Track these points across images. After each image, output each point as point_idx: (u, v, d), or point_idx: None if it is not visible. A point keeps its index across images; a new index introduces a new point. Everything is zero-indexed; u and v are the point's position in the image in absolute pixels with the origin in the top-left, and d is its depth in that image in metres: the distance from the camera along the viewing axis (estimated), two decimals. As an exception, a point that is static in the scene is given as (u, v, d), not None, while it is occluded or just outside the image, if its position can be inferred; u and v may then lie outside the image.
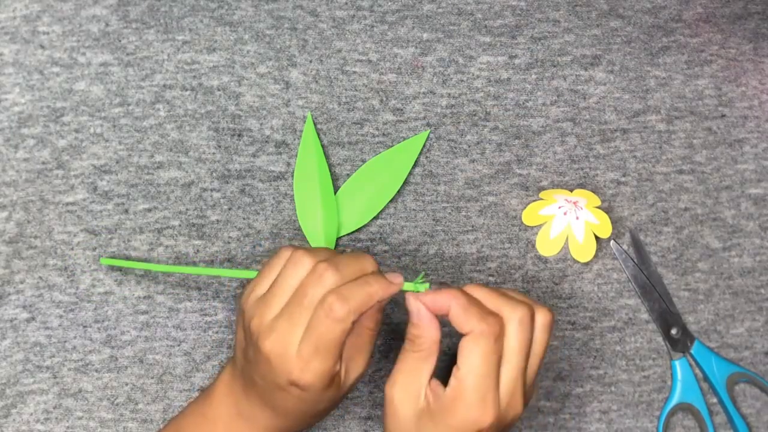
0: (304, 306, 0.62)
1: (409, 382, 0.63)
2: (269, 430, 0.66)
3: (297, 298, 0.62)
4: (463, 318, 0.62)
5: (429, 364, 0.63)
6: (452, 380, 0.62)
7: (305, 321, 0.62)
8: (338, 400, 0.66)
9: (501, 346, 0.62)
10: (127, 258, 0.75)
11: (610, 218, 0.77)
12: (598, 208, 0.77)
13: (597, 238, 0.77)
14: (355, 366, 0.65)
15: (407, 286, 0.65)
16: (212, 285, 0.76)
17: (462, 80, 0.78)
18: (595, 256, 0.77)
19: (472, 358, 0.61)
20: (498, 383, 0.62)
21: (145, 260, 0.76)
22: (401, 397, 0.63)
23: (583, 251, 0.77)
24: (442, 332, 0.64)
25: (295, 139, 0.77)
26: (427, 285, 0.65)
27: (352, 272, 0.63)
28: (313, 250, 0.65)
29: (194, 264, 0.76)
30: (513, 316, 0.62)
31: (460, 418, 0.61)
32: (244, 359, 0.65)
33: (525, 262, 0.77)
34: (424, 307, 0.63)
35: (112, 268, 0.75)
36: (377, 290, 0.62)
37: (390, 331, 0.76)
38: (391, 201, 0.77)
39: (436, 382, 0.63)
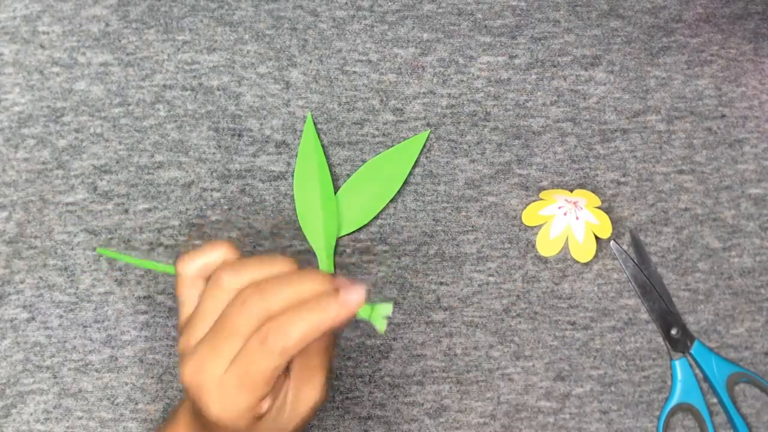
0: (227, 334, 0.53)
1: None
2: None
3: (220, 324, 0.54)
4: None
5: None
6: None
7: (230, 350, 0.54)
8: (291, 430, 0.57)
9: None
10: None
11: (610, 218, 0.77)
12: (598, 208, 0.77)
13: (597, 238, 0.77)
14: (307, 394, 0.57)
15: (363, 311, 0.55)
16: (212, 285, 0.76)
17: (462, 80, 0.78)
18: (595, 256, 0.77)
19: None
20: None
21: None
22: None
23: (583, 251, 0.77)
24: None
25: (295, 139, 0.77)
26: (390, 305, 0.55)
27: (286, 298, 0.54)
28: (241, 265, 0.55)
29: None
30: None
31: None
32: None
33: (525, 262, 0.77)
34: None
35: (112, 268, 0.75)
36: (325, 319, 0.52)
37: (390, 331, 0.76)
38: (391, 201, 0.77)
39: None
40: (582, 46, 0.80)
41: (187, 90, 0.77)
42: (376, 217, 0.77)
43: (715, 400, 0.77)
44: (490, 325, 0.77)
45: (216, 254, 0.56)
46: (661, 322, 0.77)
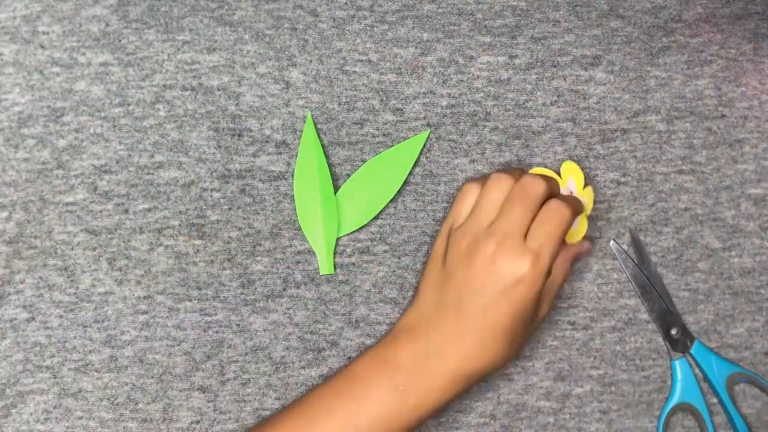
0: (528, 204, 0.67)
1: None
2: (458, 372, 0.66)
3: (516, 198, 0.68)
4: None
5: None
6: None
7: (528, 217, 0.67)
8: (530, 334, 0.69)
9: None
10: (128, 257, 0.76)
11: (610, 218, 0.76)
12: (585, 186, 0.76)
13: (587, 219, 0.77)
14: (558, 278, 0.71)
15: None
16: (212, 285, 0.76)
17: (462, 80, 0.78)
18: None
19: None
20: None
21: (145, 260, 0.76)
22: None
23: (573, 232, 0.75)
24: None
25: (295, 139, 0.77)
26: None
27: (551, 191, 0.69)
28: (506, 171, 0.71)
29: (194, 263, 0.76)
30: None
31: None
32: (443, 288, 0.67)
33: (525, 262, 0.77)
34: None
35: (112, 268, 0.75)
36: (578, 209, 0.71)
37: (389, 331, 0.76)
38: (391, 201, 0.77)
39: None
40: (582, 46, 0.79)
41: (187, 90, 0.77)
42: (376, 217, 0.77)
43: (715, 400, 0.77)
44: (490, 325, 0.77)
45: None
46: (661, 322, 0.77)
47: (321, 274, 0.76)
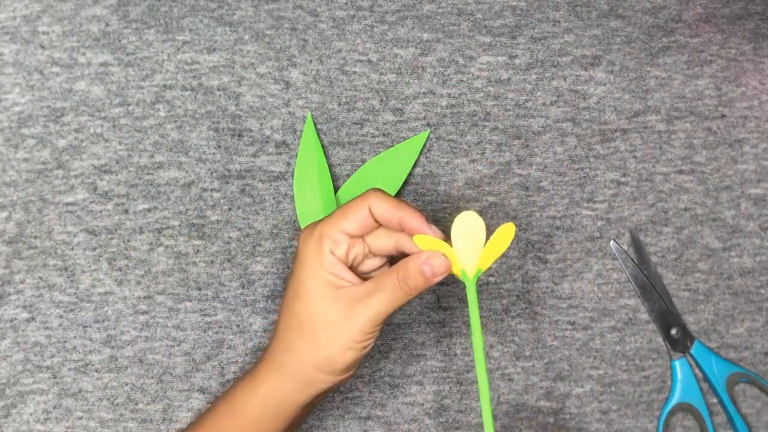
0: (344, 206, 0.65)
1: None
2: (304, 377, 0.64)
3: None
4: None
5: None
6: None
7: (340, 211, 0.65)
8: (348, 326, 0.63)
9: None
10: (128, 258, 0.76)
11: (610, 218, 0.76)
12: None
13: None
14: (375, 300, 0.64)
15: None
16: (212, 285, 0.76)
17: (462, 80, 0.78)
18: (594, 257, 0.77)
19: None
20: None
21: (145, 260, 0.76)
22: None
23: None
24: None
25: (295, 139, 0.77)
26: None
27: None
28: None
29: (194, 264, 0.76)
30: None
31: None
32: (287, 296, 0.66)
33: (525, 262, 0.77)
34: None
35: (112, 268, 0.75)
36: (411, 213, 0.63)
37: (390, 331, 0.76)
38: (391, 201, 0.77)
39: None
40: (582, 46, 0.80)
41: (187, 90, 0.77)
42: (376, 217, 0.77)
43: (715, 400, 0.77)
44: (490, 325, 0.77)
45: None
46: (661, 322, 0.77)
47: (321, 274, 0.76)
